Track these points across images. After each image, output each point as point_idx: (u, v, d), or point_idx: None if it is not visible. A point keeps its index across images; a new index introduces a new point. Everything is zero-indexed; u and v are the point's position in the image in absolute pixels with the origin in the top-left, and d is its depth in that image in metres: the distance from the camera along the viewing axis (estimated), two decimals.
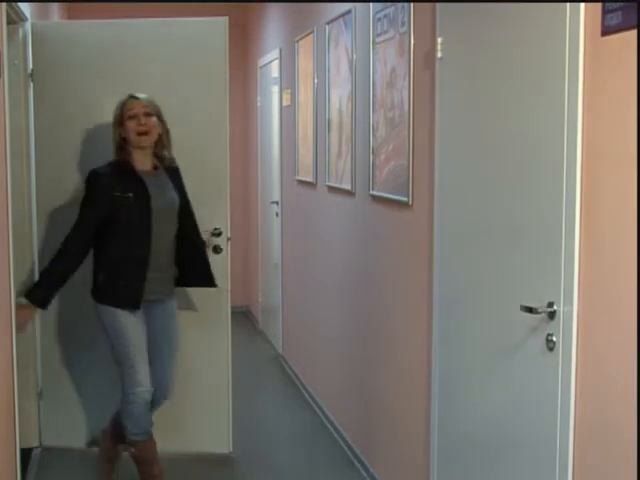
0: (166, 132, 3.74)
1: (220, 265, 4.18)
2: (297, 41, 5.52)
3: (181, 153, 3.94)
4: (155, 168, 3.75)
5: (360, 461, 4.27)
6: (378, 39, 3.81)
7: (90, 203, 3.64)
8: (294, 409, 5.26)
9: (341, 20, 4.42)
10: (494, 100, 2.69)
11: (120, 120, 3.67)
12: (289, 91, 5.89)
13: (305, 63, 5.34)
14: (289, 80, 5.87)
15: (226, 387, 4.44)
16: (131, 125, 3.63)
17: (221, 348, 4.40)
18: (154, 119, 3.67)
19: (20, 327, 3.54)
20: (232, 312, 4.41)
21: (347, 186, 4.39)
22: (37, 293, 3.66)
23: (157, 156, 3.76)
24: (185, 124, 4.12)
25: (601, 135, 2.14)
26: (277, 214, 6.45)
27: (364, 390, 4.25)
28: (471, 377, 2.91)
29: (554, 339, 2.34)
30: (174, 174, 3.84)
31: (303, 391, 5.54)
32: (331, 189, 4.77)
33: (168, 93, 4.08)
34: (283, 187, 6.25)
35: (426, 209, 3.29)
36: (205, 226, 4.05)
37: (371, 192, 3.97)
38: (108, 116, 4.26)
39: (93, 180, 3.65)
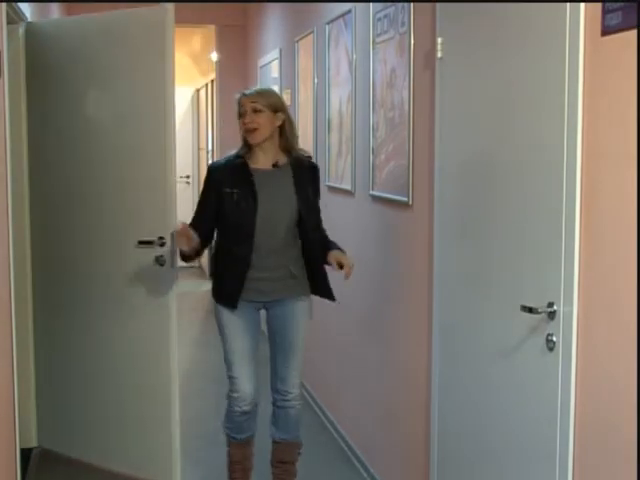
0: (289, 124, 3.60)
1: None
2: (297, 41, 5.52)
3: (119, 156, 3.92)
4: (275, 165, 3.59)
5: (360, 461, 4.27)
6: (378, 39, 3.81)
7: (202, 195, 3.65)
8: None
9: (341, 20, 4.42)
10: (494, 100, 2.69)
11: (238, 117, 3.59)
12: (289, 91, 5.89)
13: (305, 63, 5.34)
14: (289, 80, 5.87)
15: (169, 399, 4.01)
16: (241, 123, 3.56)
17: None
18: (264, 115, 3.51)
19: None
20: None
21: (347, 186, 4.39)
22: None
23: (287, 151, 3.62)
24: (123, 123, 4.01)
25: (601, 135, 2.14)
26: None
27: (364, 390, 4.25)
28: (471, 377, 2.91)
29: (554, 339, 2.34)
30: (302, 172, 3.65)
31: (303, 391, 5.53)
32: (331, 189, 4.77)
33: (110, 88, 3.99)
34: None
35: (426, 209, 3.29)
36: (148, 236, 3.90)
37: (371, 192, 3.97)
38: (77, 117, 4.17)
39: (208, 173, 3.66)
